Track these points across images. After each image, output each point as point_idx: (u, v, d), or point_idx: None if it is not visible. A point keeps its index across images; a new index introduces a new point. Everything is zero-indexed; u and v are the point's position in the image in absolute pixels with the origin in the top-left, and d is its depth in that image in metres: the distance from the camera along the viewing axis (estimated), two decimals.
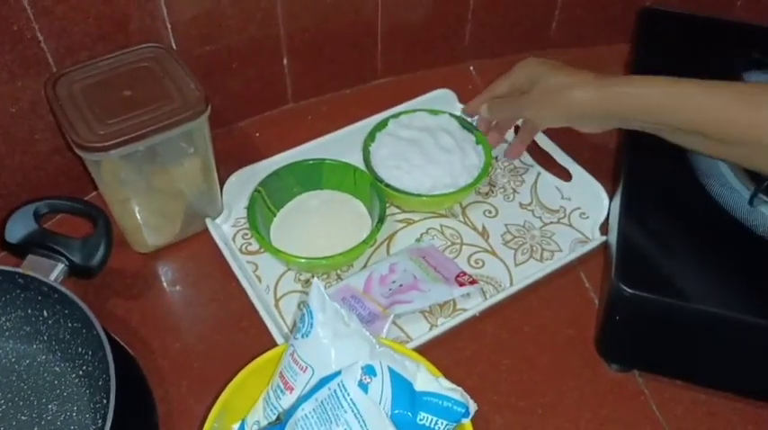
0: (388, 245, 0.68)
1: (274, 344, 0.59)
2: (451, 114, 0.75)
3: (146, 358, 0.59)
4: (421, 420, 0.45)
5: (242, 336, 0.62)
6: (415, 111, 0.75)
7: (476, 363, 0.60)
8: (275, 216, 0.69)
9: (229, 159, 0.75)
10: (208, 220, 0.68)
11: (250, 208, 0.66)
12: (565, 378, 0.59)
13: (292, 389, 0.48)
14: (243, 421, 0.52)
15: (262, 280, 0.65)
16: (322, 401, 0.44)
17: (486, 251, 0.68)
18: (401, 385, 0.45)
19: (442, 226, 0.69)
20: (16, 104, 0.60)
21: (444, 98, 0.80)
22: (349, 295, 0.62)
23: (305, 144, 0.73)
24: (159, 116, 0.59)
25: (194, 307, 0.64)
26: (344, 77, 0.83)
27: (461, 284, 0.63)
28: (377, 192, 0.67)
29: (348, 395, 0.43)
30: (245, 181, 0.70)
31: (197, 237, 0.69)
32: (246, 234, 0.69)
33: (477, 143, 0.72)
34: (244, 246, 0.68)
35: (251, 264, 0.66)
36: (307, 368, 0.47)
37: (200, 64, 0.71)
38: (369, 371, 0.44)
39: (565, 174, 0.73)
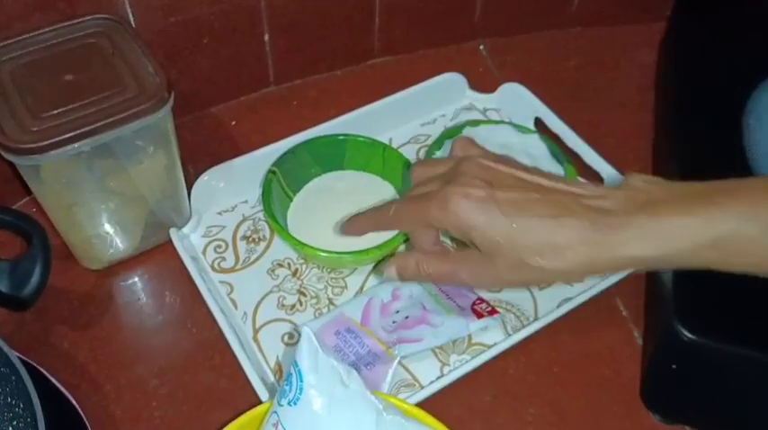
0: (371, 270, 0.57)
1: (250, 387, 0.49)
2: (542, 136, 0.62)
3: (95, 404, 0.48)
4: None
5: (213, 377, 0.51)
6: (498, 122, 0.63)
7: (496, 413, 0.50)
8: (292, 201, 0.59)
9: (200, 154, 0.63)
10: (172, 231, 0.56)
11: (265, 192, 0.55)
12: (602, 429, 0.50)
13: None
14: None
15: (238, 305, 0.54)
16: None
17: None
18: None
19: (454, 238, 0.59)
20: None
21: (452, 84, 0.68)
22: (344, 328, 0.51)
23: (312, 128, 0.61)
24: (109, 108, 0.47)
25: (156, 338, 0.53)
26: (335, 57, 0.71)
27: (479, 315, 0.52)
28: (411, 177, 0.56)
29: None
30: (218, 181, 0.59)
31: (161, 248, 0.57)
32: (220, 246, 0.57)
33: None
34: (216, 262, 0.56)
35: (225, 285, 0.55)
36: (299, 400, 0.37)
37: (164, 40, 0.59)
38: None
39: (596, 178, 0.62)
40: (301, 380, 0.37)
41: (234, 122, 0.67)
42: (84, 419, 0.46)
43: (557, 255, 0.39)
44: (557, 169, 0.59)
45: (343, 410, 0.37)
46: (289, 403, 0.38)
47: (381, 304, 0.52)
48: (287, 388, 0.38)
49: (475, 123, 0.62)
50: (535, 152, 0.60)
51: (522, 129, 0.62)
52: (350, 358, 0.49)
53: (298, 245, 0.53)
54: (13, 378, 0.44)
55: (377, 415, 0.37)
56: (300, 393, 0.37)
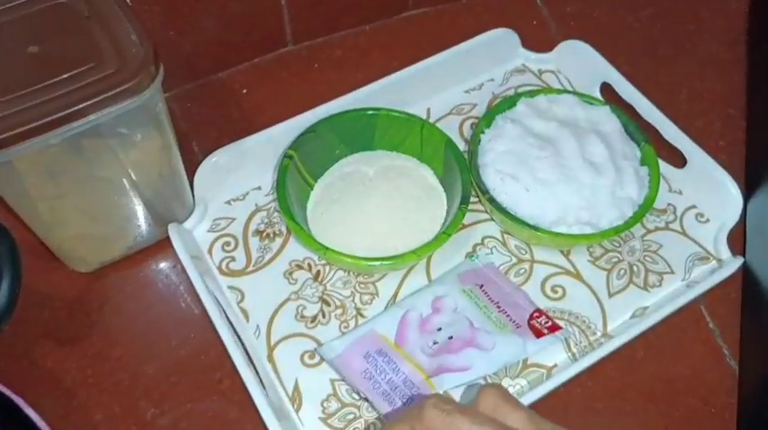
0: (428, 263, 0.48)
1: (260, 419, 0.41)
2: (614, 108, 0.51)
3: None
4: None
5: (222, 404, 0.43)
6: (560, 92, 0.52)
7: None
8: (312, 189, 0.49)
9: (205, 129, 0.54)
10: (171, 226, 0.48)
11: (280, 182, 0.46)
12: None
13: None
14: None
15: (249, 316, 0.46)
16: None
17: (568, 273, 0.48)
18: None
19: (504, 234, 0.49)
20: None
21: (502, 42, 0.57)
22: (374, 349, 0.43)
23: (336, 99, 0.51)
24: (84, 89, 0.38)
25: (155, 356, 0.45)
26: (363, 9, 0.60)
27: (538, 333, 0.43)
28: (456, 159, 0.47)
29: None
30: (227, 163, 0.50)
31: (162, 246, 0.49)
32: (229, 244, 0.49)
33: (642, 163, 0.49)
34: (225, 263, 0.48)
35: (234, 292, 0.47)
36: None
37: None
38: None
39: (677, 158, 0.51)
40: None
41: (245, 90, 0.57)
42: None
43: None
44: (631, 149, 0.49)
45: None
46: None
47: (420, 319, 0.44)
48: None
49: (531, 94, 0.51)
50: (605, 128, 0.49)
51: (588, 99, 0.51)
52: (382, 387, 0.41)
53: (320, 249, 0.44)
54: None
55: None
56: None
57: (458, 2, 0.63)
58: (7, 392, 0.41)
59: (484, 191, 0.46)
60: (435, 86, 0.56)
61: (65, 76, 0.38)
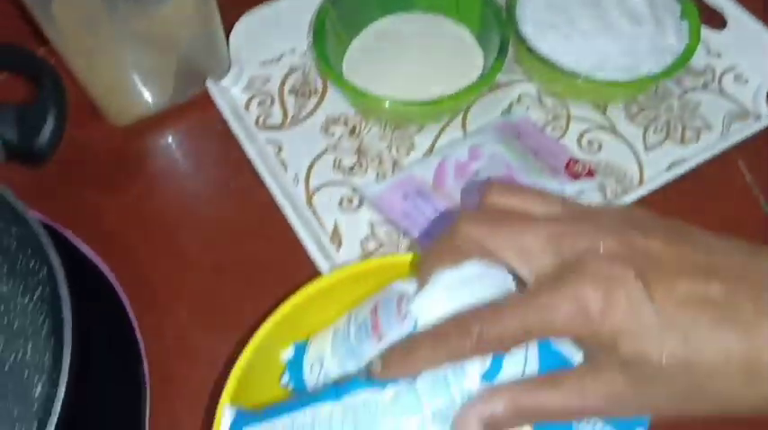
0: (464, 117, 0.48)
1: (306, 257, 0.42)
2: None
3: (128, 275, 0.42)
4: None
5: (264, 246, 0.44)
6: None
7: None
8: (348, 47, 0.49)
9: None
10: (210, 83, 0.48)
11: (317, 35, 0.46)
12: None
13: (380, 337, 0.30)
14: (301, 346, 0.35)
15: (287, 166, 0.46)
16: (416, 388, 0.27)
17: (605, 128, 0.48)
18: (554, 366, 0.27)
19: (540, 92, 0.49)
20: None
21: None
22: (413, 190, 0.43)
23: None
24: None
25: (195, 204, 0.46)
26: None
27: (575, 176, 0.44)
28: (494, 16, 0.47)
29: (461, 380, 0.26)
30: (261, 25, 0.50)
31: (195, 103, 0.49)
32: (265, 101, 0.49)
33: (683, 18, 0.48)
34: (261, 119, 0.48)
35: (272, 144, 0.47)
36: (407, 316, 0.29)
37: None
38: None
39: (716, 19, 0.51)
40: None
41: None
42: (118, 289, 0.40)
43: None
44: (671, 4, 0.48)
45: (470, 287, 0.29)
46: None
47: (457, 164, 0.44)
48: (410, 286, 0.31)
49: None
50: None
51: None
52: (419, 223, 0.42)
53: (355, 94, 0.44)
54: (33, 243, 0.38)
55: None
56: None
57: None
58: (56, 226, 0.42)
59: (522, 40, 0.46)
60: None
61: None
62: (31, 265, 0.40)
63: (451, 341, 0.26)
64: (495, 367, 0.27)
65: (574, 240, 0.26)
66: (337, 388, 0.30)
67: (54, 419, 0.31)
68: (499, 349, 0.26)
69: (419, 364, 0.27)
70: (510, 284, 0.28)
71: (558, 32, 0.46)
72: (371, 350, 0.32)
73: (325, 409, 0.30)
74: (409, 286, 0.31)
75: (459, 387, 0.27)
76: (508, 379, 0.27)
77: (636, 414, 0.27)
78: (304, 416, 0.30)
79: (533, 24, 0.46)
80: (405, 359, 0.27)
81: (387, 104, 0.44)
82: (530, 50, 0.46)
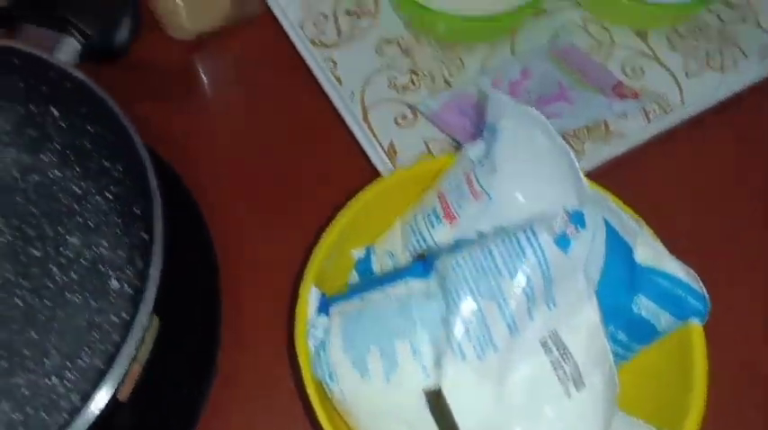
0: (512, 41, 0.50)
1: (370, 165, 0.44)
2: None
3: (195, 179, 0.44)
4: (637, 307, 0.30)
5: (324, 155, 0.46)
6: None
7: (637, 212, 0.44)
8: None
9: None
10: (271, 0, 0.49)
11: None
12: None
13: (454, 218, 0.33)
14: (368, 248, 0.38)
15: (343, 82, 0.48)
16: (490, 248, 0.29)
17: (647, 56, 0.50)
18: (618, 250, 0.30)
19: (585, 20, 0.51)
20: None
21: None
22: (469, 106, 0.45)
23: None
24: None
25: (257, 114, 0.48)
26: None
27: (622, 96, 0.46)
28: None
29: (538, 247, 0.28)
30: None
31: (253, 19, 0.50)
32: (319, 20, 0.50)
33: None
34: (317, 38, 0.50)
35: (327, 61, 0.49)
36: (482, 194, 0.32)
37: None
38: (576, 219, 0.29)
39: None
40: (494, 131, 0.31)
41: None
42: (191, 192, 0.42)
43: None
44: None
45: (542, 167, 0.31)
46: (484, 158, 0.32)
47: (510, 83, 0.46)
48: (483, 143, 0.33)
49: None
50: None
51: None
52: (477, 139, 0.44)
53: (415, 7, 0.45)
54: (112, 137, 0.39)
55: (577, 184, 0.31)
56: (493, 142, 0.32)
57: None
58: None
59: None
60: None
61: None
62: (104, 164, 0.41)
63: None
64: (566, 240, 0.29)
65: None
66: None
67: (150, 295, 0.33)
68: None
69: None
70: (574, 165, 0.31)
71: None
72: (445, 233, 0.34)
73: (398, 289, 0.32)
74: (468, 164, 0.34)
75: (532, 246, 0.29)
76: (578, 252, 0.29)
77: None
78: (375, 294, 0.32)
79: None
80: None
81: (443, 20, 0.45)
82: None
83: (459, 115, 0.44)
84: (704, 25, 0.51)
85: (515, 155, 0.32)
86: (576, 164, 0.32)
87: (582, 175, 0.32)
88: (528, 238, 0.28)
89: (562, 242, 0.29)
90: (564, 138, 0.32)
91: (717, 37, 0.51)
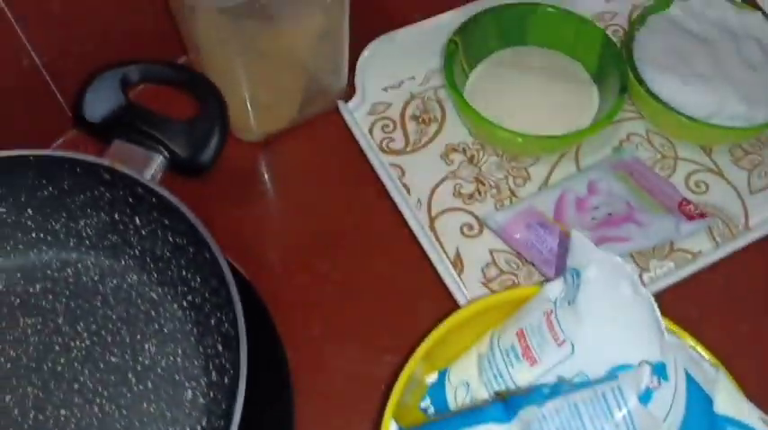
0: (577, 151, 0.51)
1: (436, 276, 0.44)
2: (766, 14, 0.52)
3: (266, 286, 0.45)
4: None
5: (389, 265, 0.47)
6: None
7: (704, 330, 0.44)
8: (468, 77, 0.52)
9: (355, 14, 0.57)
10: (340, 104, 0.51)
11: (446, 64, 0.49)
12: None
13: (535, 361, 0.33)
14: (442, 372, 0.38)
15: (410, 190, 0.49)
16: (576, 404, 0.29)
17: (711, 170, 0.50)
18: (698, 402, 0.30)
19: (648, 131, 0.52)
20: None
21: None
22: (535, 222, 0.46)
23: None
24: None
25: (323, 218, 0.49)
26: None
27: (689, 217, 0.46)
28: (612, 57, 0.49)
29: (624, 406, 0.28)
30: (383, 54, 0.52)
31: (321, 122, 0.52)
32: (388, 126, 0.52)
33: None
34: (385, 143, 0.51)
35: (395, 168, 0.50)
36: (565, 343, 0.32)
37: None
38: (659, 370, 0.29)
39: None
40: (578, 277, 0.32)
41: None
42: (265, 303, 0.43)
43: None
44: None
45: (625, 317, 0.32)
46: (567, 302, 0.33)
47: (576, 199, 0.47)
48: (563, 284, 0.34)
49: None
50: (762, 33, 0.51)
51: (741, 6, 0.53)
52: (543, 255, 0.44)
53: (484, 124, 0.46)
54: (192, 249, 0.41)
55: (659, 333, 0.32)
56: (577, 291, 0.32)
57: None
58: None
59: (640, 82, 0.49)
60: None
61: None
62: (182, 274, 0.43)
63: None
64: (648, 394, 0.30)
65: None
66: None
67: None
68: None
69: None
70: (656, 315, 0.31)
71: (675, 76, 0.48)
72: (525, 374, 0.34)
73: None
74: (549, 304, 0.34)
75: (620, 407, 0.29)
76: (660, 404, 0.29)
77: None
78: None
79: (652, 67, 0.49)
80: None
81: (519, 140, 0.46)
82: (649, 93, 0.48)
83: (526, 230, 0.45)
84: (767, 139, 0.51)
85: (600, 307, 0.32)
86: (659, 313, 0.32)
87: (664, 325, 0.32)
88: (616, 398, 0.29)
89: (644, 397, 0.29)
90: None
91: None
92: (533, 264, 0.45)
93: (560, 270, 0.40)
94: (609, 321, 0.32)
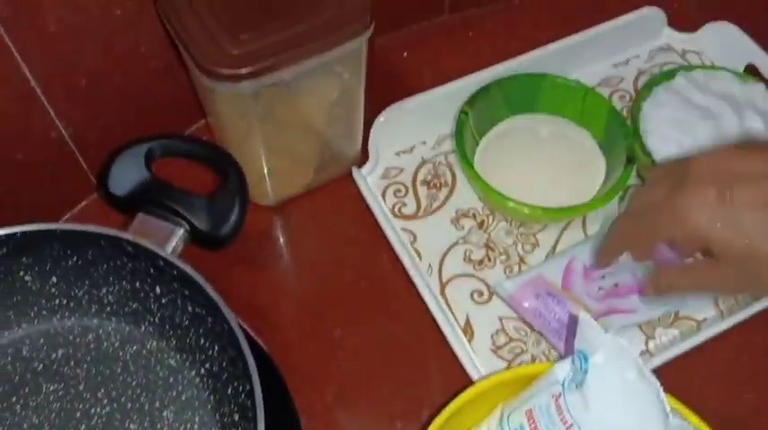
0: (584, 220, 0.52)
1: (446, 342, 0.46)
2: None
3: (281, 352, 0.46)
4: None
5: (401, 331, 0.48)
6: (715, 68, 0.56)
7: (707, 398, 0.45)
8: (478, 145, 0.54)
9: (373, 85, 0.59)
10: (354, 170, 0.52)
11: (458, 135, 0.51)
12: None
13: None
14: None
15: (422, 255, 0.50)
16: None
17: None
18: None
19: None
20: (121, 5, 0.44)
21: (649, 20, 0.60)
22: (544, 291, 0.47)
23: (510, 61, 0.55)
24: (311, 31, 0.43)
25: (337, 283, 0.50)
26: None
27: None
28: (619, 127, 0.51)
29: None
30: (396, 120, 0.54)
31: (335, 187, 0.54)
32: (400, 191, 0.53)
33: None
34: (397, 207, 0.52)
35: (407, 233, 0.51)
36: (573, 426, 0.33)
37: None
38: None
39: None
40: (586, 361, 0.33)
41: (405, 53, 0.61)
42: (281, 374, 0.44)
43: None
44: None
45: (631, 400, 0.33)
46: (574, 385, 0.34)
47: (584, 268, 0.48)
48: (571, 367, 0.35)
49: (689, 68, 0.55)
50: (762, 104, 0.52)
51: (743, 77, 0.54)
52: (552, 325, 0.45)
53: (494, 195, 0.48)
54: (210, 319, 0.42)
55: (664, 415, 0.33)
56: (585, 375, 0.33)
57: None
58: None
59: (647, 154, 0.50)
60: (585, 59, 0.59)
61: (291, 19, 0.43)
62: (200, 343, 0.44)
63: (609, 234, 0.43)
64: None
65: (682, 173, 0.36)
66: None
67: None
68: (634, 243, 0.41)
69: (606, 256, 0.44)
70: (661, 399, 0.33)
71: (681, 148, 0.50)
72: None
73: None
74: (557, 386, 0.35)
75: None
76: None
77: (747, 292, 0.44)
78: None
79: (658, 139, 0.50)
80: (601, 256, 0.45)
81: (526, 211, 0.48)
82: (655, 164, 0.49)
83: (534, 299, 0.46)
84: None
85: (607, 392, 0.33)
86: (664, 397, 0.33)
87: (669, 408, 0.33)
88: None
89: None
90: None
91: None
92: (541, 334, 0.46)
93: (569, 346, 0.41)
94: (616, 407, 0.33)
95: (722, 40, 0.59)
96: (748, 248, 0.34)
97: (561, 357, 0.44)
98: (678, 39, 0.61)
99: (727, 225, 0.34)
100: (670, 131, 0.50)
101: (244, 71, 0.41)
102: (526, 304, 0.46)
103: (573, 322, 0.44)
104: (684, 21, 0.61)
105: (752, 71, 0.57)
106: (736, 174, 0.34)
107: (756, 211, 0.33)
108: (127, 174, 0.43)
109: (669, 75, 0.54)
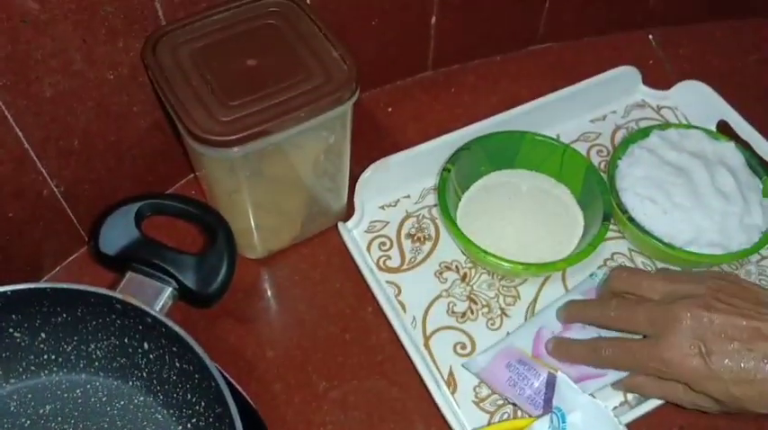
0: (564, 273, 0.53)
1: (429, 396, 0.46)
2: (738, 145, 0.56)
3: (266, 405, 0.47)
4: None
5: (385, 384, 0.49)
6: (689, 126, 0.58)
7: None
8: (460, 200, 0.55)
9: (355, 141, 0.60)
10: (340, 224, 0.54)
11: (441, 192, 0.52)
12: None
13: None
14: None
15: (406, 308, 0.51)
16: None
17: None
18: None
19: (631, 251, 0.54)
20: (114, 70, 0.46)
21: (625, 78, 0.63)
22: (515, 359, 0.47)
23: (492, 118, 0.57)
24: (300, 98, 0.44)
25: (323, 336, 0.51)
26: (496, 41, 0.66)
27: None
28: (596, 183, 0.53)
29: None
30: (381, 175, 0.55)
31: (321, 240, 0.55)
32: (385, 244, 0.55)
33: (765, 196, 0.54)
34: (382, 261, 0.54)
35: (392, 286, 0.52)
36: None
37: (334, 21, 0.55)
38: None
39: None
40: (563, 421, 0.34)
41: (390, 109, 0.63)
42: (263, 420, 0.45)
43: None
44: (755, 182, 0.54)
45: None
46: None
47: (552, 335, 0.48)
48: (550, 425, 0.36)
49: (663, 127, 0.57)
50: (733, 162, 0.54)
51: (715, 136, 0.56)
52: (526, 392, 0.46)
53: (480, 253, 0.49)
54: (197, 376, 0.43)
55: None
56: None
57: (579, 40, 0.68)
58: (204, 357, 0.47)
59: (623, 211, 0.52)
60: (563, 115, 0.61)
61: (280, 86, 0.45)
62: (187, 398, 0.44)
63: (592, 346, 0.46)
64: None
65: (665, 313, 0.42)
66: None
67: None
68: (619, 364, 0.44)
69: (573, 358, 0.46)
70: None
71: (655, 205, 0.51)
72: None
73: None
74: None
75: None
76: None
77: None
78: None
79: (634, 196, 0.52)
80: (564, 351, 0.47)
81: (505, 265, 0.49)
82: (631, 221, 0.51)
83: (506, 369, 0.46)
84: (743, 259, 0.54)
85: None
86: None
87: None
88: None
89: None
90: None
91: (756, 270, 0.54)
92: (515, 405, 0.47)
93: (547, 405, 0.42)
94: None
95: (694, 98, 0.62)
96: (724, 391, 0.41)
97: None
98: (653, 95, 0.64)
99: (705, 377, 0.41)
100: (645, 189, 0.52)
101: (233, 137, 0.42)
102: (499, 375, 0.46)
103: (551, 380, 0.45)
104: (659, 79, 0.64)
105: (723, 127, 0.60)
106: (714, 331, 0.41)
107: (731, 361, 0.40)
108: (117, 234, 0.45)
109: (644, 133, 0.56)
